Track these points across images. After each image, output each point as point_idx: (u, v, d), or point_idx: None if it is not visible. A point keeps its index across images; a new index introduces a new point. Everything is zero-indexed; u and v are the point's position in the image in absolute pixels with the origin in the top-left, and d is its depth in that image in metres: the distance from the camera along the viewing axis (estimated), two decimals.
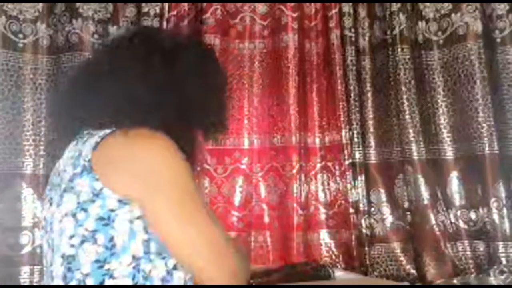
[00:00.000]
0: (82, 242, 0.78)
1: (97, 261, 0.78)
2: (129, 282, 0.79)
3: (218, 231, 0.84)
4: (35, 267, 1.65)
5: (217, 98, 0.98)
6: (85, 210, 0.78)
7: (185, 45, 0.95)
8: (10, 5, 1.70)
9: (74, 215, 0.79)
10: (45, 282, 0.87)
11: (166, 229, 0.79)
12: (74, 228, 0.79)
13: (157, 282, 0.80)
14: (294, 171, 1.93)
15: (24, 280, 1.65)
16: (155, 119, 0.83)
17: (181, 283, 0.83)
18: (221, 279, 0.81)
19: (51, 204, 0.86)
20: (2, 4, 1.69)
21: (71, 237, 0.79)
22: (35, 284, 1.65)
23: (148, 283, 0.80)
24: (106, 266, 0.78)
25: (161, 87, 0.87)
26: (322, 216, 1.96)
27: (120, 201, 0.78)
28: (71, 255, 0.79)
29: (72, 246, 0.79)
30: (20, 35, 1.71)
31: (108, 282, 0.78)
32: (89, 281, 0.78)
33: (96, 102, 0.85)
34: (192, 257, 0.81)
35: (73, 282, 0.79)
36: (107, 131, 0.82)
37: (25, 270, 1.65)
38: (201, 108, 0.92)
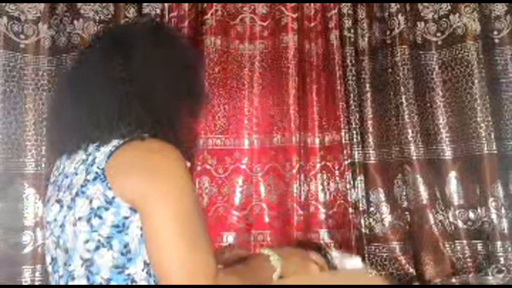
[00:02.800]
0: (97, 247, 0.81)
1: (116, 266, 0.80)
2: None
3: (206, 255, 0.79)
4: (36, 266, 1.66)
5: (190, 79, 0.96)
6: (99, 216, 0.80)
7: (138, 35, 0.94)
8: (11, 6, 1.71)
9: (88, 221, 0.81)
10: (55, 280, 0.88)
11: (158, 241, 0.79)
12: (88, 233, 0.81)
13: None
14: (294, 171, 1.93)
15: (25, 279, 1.65)
16: (147, 127, 0.85)
17: None
18: None
19: (61, 205, 0.87)
20: (3, 4, 1.70)
21: (86, 241, 0.81)
22: (36, 283, 1.66)
23: None
24: (126, 272, 0.81)
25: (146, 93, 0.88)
26: (322, 216, 1.96)
27: (131, 208, 0.80)
28: (88, 258, 0.81)
29: (88, 250, 0.81)
30: (22, 36, 1.72)
31: None
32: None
33: (89, 117, 0.87)
34: (168, 273, 0.78)
35: None
36: (120, 141, 0.84)
37: (26, 269, 1.66)
38: (177, 96, 0.92)
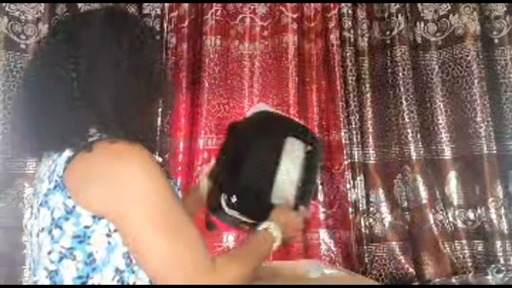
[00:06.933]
0: (61, 258, 0.77)
1: (79, 277, 0.77)
2: None
3: (196, 248, 0.78)
4: None
5: (146, 70, 0.86)
6: (60, 227, 0.77)
7: (88, 28, 0.84)
8: (12, 6, 1.71)
9: (49, 232, 0.78)
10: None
11: (139, 243, 0.76)
12: (50, 244, 0.77)
13: None
14: None
15: (25, 279, 1.65)
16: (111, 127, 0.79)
17: None
18: None
19: (31, 212, 0.84)
20: (4, 5, 1.70)
21: (49, 253, 0.78)
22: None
23: None
24: (90, 281, 0.77)
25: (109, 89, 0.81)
26: (322, 216, 1.97)
27: (94, 217, 0.76)
28: (53, 270, 0.78)
29: (52, 262, 0.78)
30: (22, 36, 1.72)
31: None
32: None
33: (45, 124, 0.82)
34: (160, 276, 0.77)
35: None
36: (77, 147, 0.78)
37: (26, 269, 1.66)
38: (133, 91, 0.83)
